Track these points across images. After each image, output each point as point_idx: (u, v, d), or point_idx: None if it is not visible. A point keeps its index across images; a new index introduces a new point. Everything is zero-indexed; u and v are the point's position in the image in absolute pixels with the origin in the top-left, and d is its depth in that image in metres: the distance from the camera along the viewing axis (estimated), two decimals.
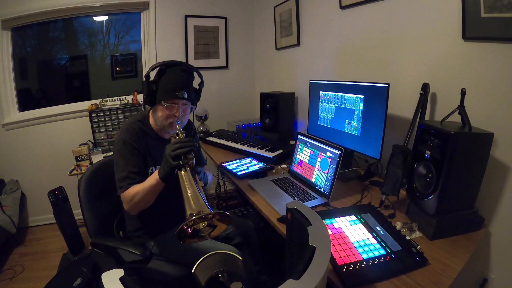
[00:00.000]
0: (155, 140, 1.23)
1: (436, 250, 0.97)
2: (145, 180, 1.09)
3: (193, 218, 0.78)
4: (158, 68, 1.16)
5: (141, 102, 2.60)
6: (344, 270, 0.86)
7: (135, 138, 1.15)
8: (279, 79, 2.71)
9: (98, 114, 2.50)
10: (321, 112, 1.81)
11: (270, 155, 1.85)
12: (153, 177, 1.05)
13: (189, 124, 1.37)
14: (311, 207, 1.08)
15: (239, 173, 1.69)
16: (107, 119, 2.52)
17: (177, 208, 1.05)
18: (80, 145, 2.42)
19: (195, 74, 1.25)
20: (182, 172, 0.97)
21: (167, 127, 1.19)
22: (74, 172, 2.22)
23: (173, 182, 1.00)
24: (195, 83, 1.26)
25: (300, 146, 1.65)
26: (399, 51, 1.51)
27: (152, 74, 1.15)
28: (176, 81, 1.14)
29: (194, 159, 1.01)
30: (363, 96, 1.47)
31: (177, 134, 1.10)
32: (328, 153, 1.42)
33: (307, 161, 1.57)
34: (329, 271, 0.87)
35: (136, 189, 1.08)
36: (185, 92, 1.15)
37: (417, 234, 1.06)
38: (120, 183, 1.11)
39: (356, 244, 0.98)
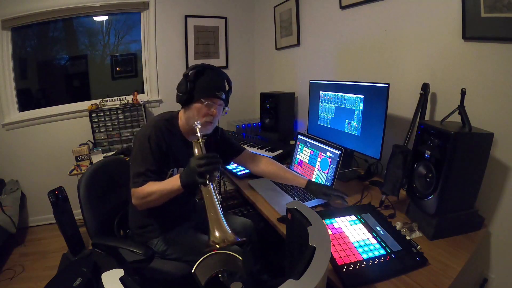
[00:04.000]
0: (181, 141, 1.22)
1: (436, 250, 0.97)
2: (163, 180, 1.08)
3: (216, 249, 0.78)
4: (195, 68, 1.16)
5: (141, 102, 2.61)
6: (344, 270, 0.86)
7: (160, 136, 1.14)
8: (279, 79, 2.71)
9: (98, 114, 2.49)
10: (321, 112, 1.81)
11: (270, 155, 1.85)
12: (174, 183, 1.03)
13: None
14: (311, 207, 1.08)
15: (239, 173, 1.69)
16: (107, 119, 2.52)
17: (185, 207, 1.05)
18: (80, 145, 2.42)
19: None
20: (206, 188, 0.97)
21: (201, 127, 1.17)
22: (74, 172, 2.22)
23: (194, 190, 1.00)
24: None
25: (300, 146, 1.65)
26: (399, 51, 1.51)
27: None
28: (216, 81, 1.18)
29: (218, 175, 1.02)
30: (363, 96, 1.47)
31: (197, 139, 1.08)
32: (328, 153, 1.42)
33: (307, 161, 1.57)
34: (329, 271, 0.87)
35: (152, 189, 1.06)
36: (223, 93, 1.19)
37: (417, 234, 1.06)
38: (135, 178, 1.10)
39: (356, 244, 0.98)
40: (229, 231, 0.86)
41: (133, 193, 1.11)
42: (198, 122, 1.11)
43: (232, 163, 1.53)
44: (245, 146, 2.01)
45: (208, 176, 0.97)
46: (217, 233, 0.84)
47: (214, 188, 0.98)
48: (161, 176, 1.13)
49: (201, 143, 1.08)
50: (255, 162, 1.45)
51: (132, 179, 1.10)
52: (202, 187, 0.97)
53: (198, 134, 1.09)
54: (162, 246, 1.24)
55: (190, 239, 1.24)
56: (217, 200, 0.96)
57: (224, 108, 1.24)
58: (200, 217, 1.30)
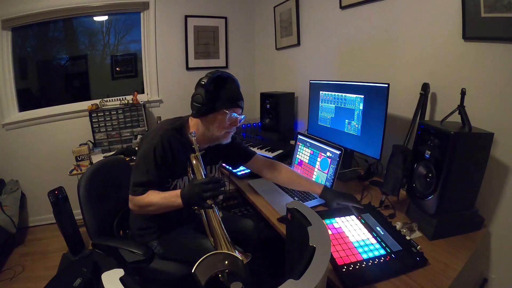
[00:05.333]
0: (189, 151, 1.15)
1: (436, 250, 0.97)
2: (164, 192, 1.07)
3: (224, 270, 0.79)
4: (213, 78, 1.12)
5: (141, 102, 2.61)
6: (344, 270, 0.86)
7: (167, 147, 1.10)
8: (279, 79, 2.71)
9: (98, 114, 2.50)
10: (321, 112, 1.81)
11: (270, 155, 1.85)
12: (175, 200, 1.02)
13: None
14: (311, 207, 1.08)
15: (239, 173, 1.69)
16: (107, 119, 2.52)
17: (185, 210, 1.05)
18: (80, 145, 2.42)
19: None
20: (211, 211, 0.99)
21: (222, 137, 1.17)
22: (74, 172, 2.22)
23: None
24: None
25: (300, 146, 1.65)
26: (399, 51, 1.51)
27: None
28: (237, 91, 1.16)
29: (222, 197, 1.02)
30: (363, 96, 1.47)
31: (193, 150, 1.07)
32: (328, 153, 1.42)
33: (307, 161, 1.57)
34: (329, 271, 0.87)
35: (152, 201, 1.06)
36: (243, 102, 1.17)
37: (417, 234, 1.06)
38: (135, 186, 1.09)
39: (356, 244, 0.98)
40: (239, 255, 0.86)
41: (131, 199, 1.10)
42: (194, 132, 1.08)
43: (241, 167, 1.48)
44: None
45: (213, 200, 0.98)
46: (226, 262, 0.83)
47: (217, 209, 0.99)
48: (163, 186, 1.13)
49: (198, 156, 1.06)
50: (269, 168, 1.40)
51: (132, 187, 1.09)
52: (207, 210, 0.99)
53: (195, 146, 1.06)
54: (162, 247, 1.24)
55: (191, 241, 1.23)
56: (220, 220, 0.98)
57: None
58: (200, 219, 1.31)
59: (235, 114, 1.14)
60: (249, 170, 1.69)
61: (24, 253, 2.31)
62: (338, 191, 1.28)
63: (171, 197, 1.04)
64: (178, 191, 1.03)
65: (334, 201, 1.23)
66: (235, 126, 1.17)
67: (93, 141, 2.53)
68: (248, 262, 0.80)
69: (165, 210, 1.07)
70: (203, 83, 1.08)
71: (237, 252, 0.88)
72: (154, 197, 1.06)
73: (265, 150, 1.92)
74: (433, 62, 1.35)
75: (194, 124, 1.18)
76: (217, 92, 1.11)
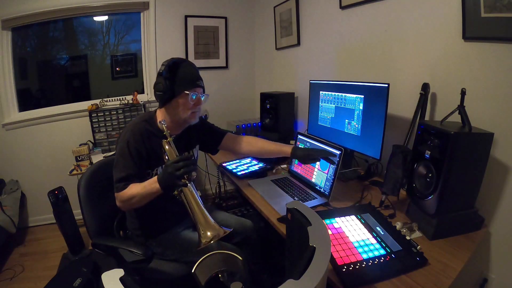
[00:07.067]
0: (161, 139, 1.18)
1: (436, 250, 0.97)
2: (144, 182, 1.09)
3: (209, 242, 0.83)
4: (168, 65, 1.17)
5: (141, 102, 2.61)
6: (344, 270, 0.86)
7: (139, 139, 1.14)
8: (279, 79, 2.71)
9: (98, 114, 2.50)
10: (321, 112, 1.81)
11: None
12: (154, 186, 1.04)
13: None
14: (311, 207, 1.08)
15: (239, 173, 1.69)
16: (107, 119, 2.52)
17: (178, 207, 1.06)
18: (80, 145, 2.42)
19: None
20: (186, 189, 1.00)
21: (189, 118, 1.20)
22: (74, 172, 2.22)
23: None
24: None
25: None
26: (399, 51, 1.51)
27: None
28: (194, 73, 1.20)
29: (195, 172, 1.04)
30: (363, 96, 1.47)
31: (165, 137, 1.10)
32: None
33: None
34: (329, 271, 0.87)
35: (133, 192, 1.08)
36: (201, 81, 1.22)
37: (417, 234, 1.06)
38: (117, 183, 1.12)
39: (356, 244, 0.98)
40: (217, 226, 0.91)
41: (116, 197, 1.13)
42: (164, 120, 1.12)
43: (219, 150, 1.52)
44: None
45: (186, 177, 1.00)
46: (208, 233, 0.88)
47: (193, 186, 1.01)
48: (143, 177, 1.15)
49: (170, 141, 1.10)
50: (242, 142, 1.47)
51: (115, 184, 1.12)
52: (183, 188, 1.00)
53: (166, 133, 1.10)
54: (161, 247, 1.24)
55: (189, 239, 1.24)
56: (199, 197, 1.00)
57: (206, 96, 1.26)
58: None
59: (196, 94, 1.18)
60: (249, 170, 1.70)
61: (24, 253, 2.31)
62: (308, 148, 1.36)
63: (149, 184, 1.06)
64: (155, 178, 1.05)
65: (306, 157, 1.30)
66: (199, 105, 1.21)
67: (93, 141, 2.53)
68: (246, 262, 0.80)
69: (148, 199, 1.08)
70: (161, 71, 1.13)
71: (213, 221, 0.91)
72: (134, 189, 1.08)
73: None
74: (433, 62, 1.35)
75: (162, 114, 1.23)
76: (174, 77, 1.15)
